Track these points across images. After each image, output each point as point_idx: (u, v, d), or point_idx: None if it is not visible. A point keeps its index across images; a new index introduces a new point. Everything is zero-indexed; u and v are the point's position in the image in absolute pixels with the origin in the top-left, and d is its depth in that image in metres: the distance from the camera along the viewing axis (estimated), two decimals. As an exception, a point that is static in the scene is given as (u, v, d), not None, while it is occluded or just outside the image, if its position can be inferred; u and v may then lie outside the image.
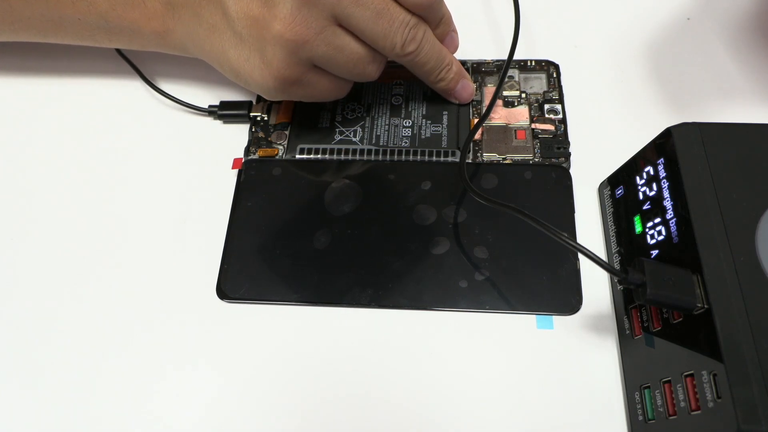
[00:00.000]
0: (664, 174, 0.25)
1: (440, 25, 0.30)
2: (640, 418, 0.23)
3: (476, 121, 0.32)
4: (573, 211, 0.29)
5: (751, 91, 0.32)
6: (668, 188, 0.24)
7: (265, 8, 0.26)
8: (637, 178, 0.26)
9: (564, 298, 0.27)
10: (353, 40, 0.28)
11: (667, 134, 0.25)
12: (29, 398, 0.27)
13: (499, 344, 0.27)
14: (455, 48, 0.32)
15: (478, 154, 0.31)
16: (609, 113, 0.32)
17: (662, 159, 0.25)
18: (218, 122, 0.34)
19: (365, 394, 0.26)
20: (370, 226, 0.30)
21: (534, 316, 0.27)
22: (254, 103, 0.34)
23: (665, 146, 0.25)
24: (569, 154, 0.31)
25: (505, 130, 0.32)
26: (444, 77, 0.31)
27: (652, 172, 0.25)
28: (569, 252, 0.28)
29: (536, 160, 0.31)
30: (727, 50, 0.34)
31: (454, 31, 0.31)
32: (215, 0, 0.28)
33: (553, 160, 0.31)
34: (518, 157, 0.31)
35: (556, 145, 0.31)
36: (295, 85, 0.29)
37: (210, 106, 0.34)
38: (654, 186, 0.25)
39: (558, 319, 0.27)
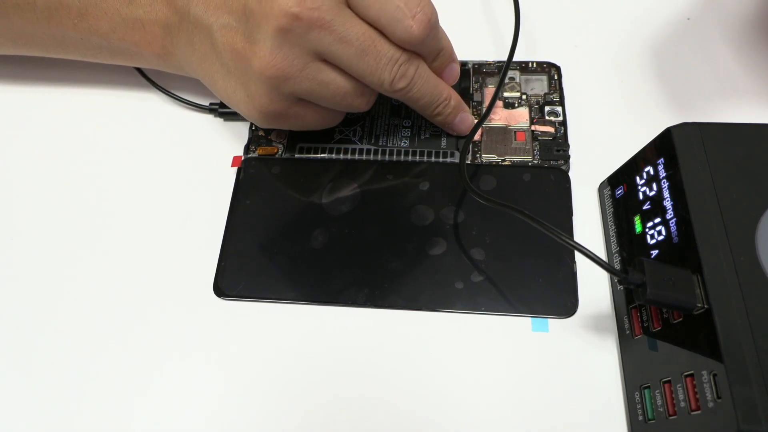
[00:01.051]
0: (664, 174, 0.24)
1: (438, 58, 0.28)
2: (640, 418, 0.23)
3: (476, 121, 0.32)
4: (571, 214, 0.29)
5: (751, 91, 0.32)
6: (668, 188, 0.24)
7: (247, 43, 0.26)
8: (637, 178, 0.26)
9: (560, 301, 0.27)
10: (339, 74, 0.27)
11: (667, 134, 0.25)
12: (27, 395, 0.27)
13: (494, 346, 0.27)
14: (454, 79, 0.30)
15: (477, 155, 0.31)
16: (609, 113, 0.32)
17: (662, 159, 0.25)
18: (219, 120, 0.34)
19: (360, 394, 0.26)
20: (368, 225, 0.30)
21: (530, 318, 0.27)
22: (254, 101, 0.34)
23: (665, 146, 0.25)
24: (568, 157, 0.31)
25: (505, 132, 0.32)
26: (441, 112, 0.30)
27: (652, 172, 0.25)
28: (566, 255, 0.28)
29: (535, 162, 0.31)
30: (727, 50, 0.34)
31: (455, 61, 0.30)
32: (205, 30, 0.27)
33: (552, 162, 0.31)
34: (517, 158, 0.31)
35: (556, 147, 0.31)
36: (280, 117, 0.28)
37: (211, 104, 0.34)
38: (654, 186, 0.25)
39: (554, 322, 0.27)
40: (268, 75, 0.26)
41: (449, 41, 0.29)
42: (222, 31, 0.27)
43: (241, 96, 0.28)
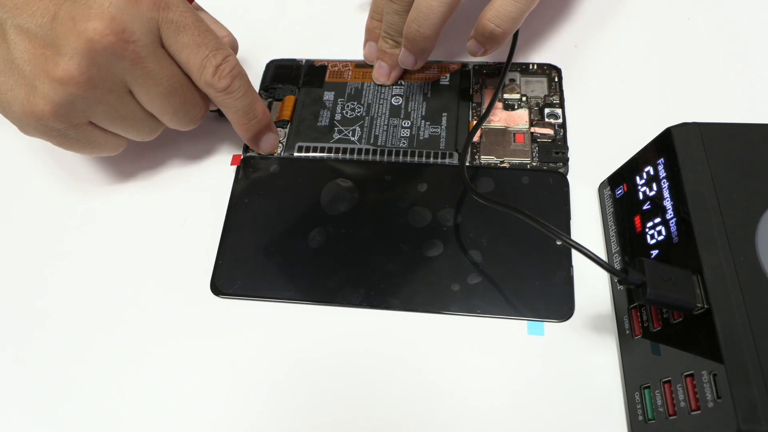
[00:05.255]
0: (664, 174, 0.24)
1: (254, 121, 0.30)
2: (640, 418, 0.23)
3: (475, 122, 0.32)
4: (569, 218, 0.29)
5: (751, 91, 0.32)
6: (668, 188, 0.24)
7: (50, 50, 0.25)
8: (637, 178, 0.26)
9: (556, 306, 0.27)
10: (140, 108, 0.28)
11: (667, 134, 0.25)
12: (24, 394, 0.27)
13: (490, 348, 0.26)
14: (270, 148, 0.32)
15: (476, 157, 0.31)
16: (609, 113, 0.32)
17: (662, 159, 0.25)
18: (219, 119, 0.34)
19: (354, 393, 0.26)
20: (365, 226, 0.30)
21: (525, 321, 0.27)
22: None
23: (665, 146, 0.25)
24: (567, 160, 0.31)
25: (504, 134, 0.32)
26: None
27: (652, 172, 0.25)
28: (563, 258, 0.28)
29: (534, 164, 0.31)
30: (726, 50, 0.34)
31: (272, 131, 0.32)
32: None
33: (551, 165, 0.30)
34: (516, 161, 0.31)
35: (555, 150, 0.31)
36: (53, 132, 0.27)
37: (210, 103, 0.34)
38: (654, 186, 0.25)
39: (550, 325, 0.27)
40: (69, 90, 0.25)
41: (265, 110, 0.31)
42: (16, 30, 0.25)
43: (18, 95, 0.26)
